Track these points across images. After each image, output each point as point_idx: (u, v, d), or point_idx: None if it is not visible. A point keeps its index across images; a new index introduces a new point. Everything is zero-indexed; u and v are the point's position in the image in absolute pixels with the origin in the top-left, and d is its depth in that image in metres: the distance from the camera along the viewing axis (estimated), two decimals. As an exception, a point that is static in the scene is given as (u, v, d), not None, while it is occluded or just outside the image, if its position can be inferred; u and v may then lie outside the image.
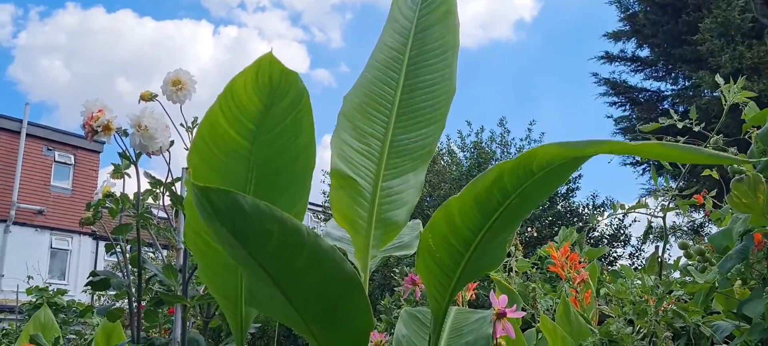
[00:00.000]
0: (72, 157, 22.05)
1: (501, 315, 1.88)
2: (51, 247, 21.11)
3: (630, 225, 18.02)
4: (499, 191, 1.22)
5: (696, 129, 1.98)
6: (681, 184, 2.44)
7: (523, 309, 3.75)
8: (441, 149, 18.87)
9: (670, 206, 2.05)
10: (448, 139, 19.59)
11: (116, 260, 2.07)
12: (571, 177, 18.41)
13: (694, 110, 2.05)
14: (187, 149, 1.93)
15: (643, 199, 2.09)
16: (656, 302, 1.88)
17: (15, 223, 20.09)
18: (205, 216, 1.18)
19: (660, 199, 2.02)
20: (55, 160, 21.66)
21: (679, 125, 1.99)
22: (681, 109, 15.61)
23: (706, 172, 2.59)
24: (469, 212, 1.27)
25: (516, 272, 4.82)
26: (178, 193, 1.91)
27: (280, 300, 1.28)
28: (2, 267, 19.38)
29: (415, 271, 1.56)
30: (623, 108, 17.80)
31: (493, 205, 1.25)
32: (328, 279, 1.29)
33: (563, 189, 18.22)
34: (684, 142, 2.16)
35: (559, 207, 17.75)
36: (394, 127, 1.76)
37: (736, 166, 2.03)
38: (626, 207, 2.10)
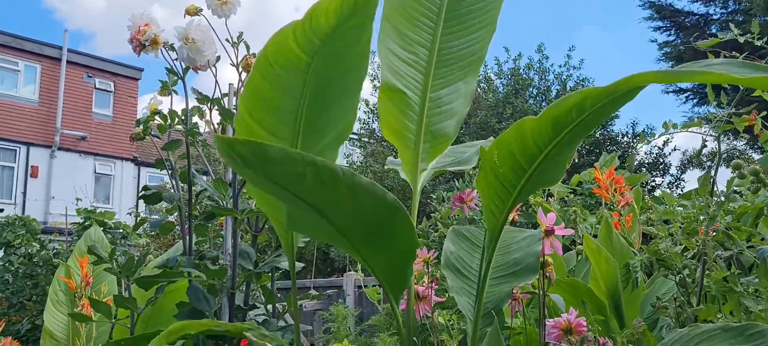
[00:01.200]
0: (112, 84, 22.36)
1: (549, 232, 1.87)
2: (95, 172, 21.69)
3: (669, 154, 17.70)
4: (578, 112, 1.19)
5: (758, 43, 1.89)
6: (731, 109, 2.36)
7: (563, 233, 3.75)
8: (477, 78, 18.57)
9: (728, 125, 1.98)
10: (485, 67, 19.29)
11: (162, 179, 2.11)
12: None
13: (756, 24, 1.95)
14: (233, 65, 1.93)
15: (697, 118, 2.03)
16: (708, 221, 1.85)
17: (60, 148, 20.65)
18: (237, 167, 1.18)
19: (715, 119, 1.96)
20: (95, 88, 22.00)
21: (741, 40, 1.90)
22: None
23: (758, 92, 2.49)
24: (544, 132, 1.24)
25: (555, 197, 4.79)
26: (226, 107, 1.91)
27: (322, 224, 1.29)
28: (50, 191, 20.04)
29: (475, 186, 1.54)
30: (668, 33, 17.20)
31: (567, 123, 1.21)
32: (370, 209, 1.29)
33: (603, 117, 17.88)
34: (742, 59, 2.07)
35: (597, 134, 17.48)
36: (442, 32, 1.70)
37: (799, 82, 1.95)
38: (678, 127, 2.04)
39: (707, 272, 1.92)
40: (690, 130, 2.03)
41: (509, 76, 18.77)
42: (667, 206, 3.66)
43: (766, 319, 1.60)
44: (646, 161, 17.94)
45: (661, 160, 17.92)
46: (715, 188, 2.22)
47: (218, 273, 1.78)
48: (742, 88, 1.99)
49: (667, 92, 17.33)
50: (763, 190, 2.88)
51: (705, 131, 1.98)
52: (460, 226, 1.94)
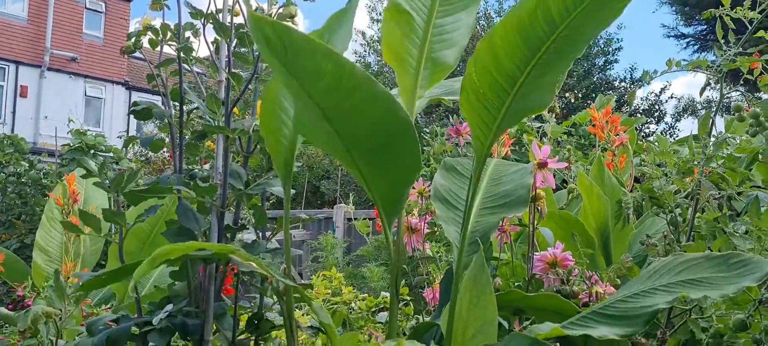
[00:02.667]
0: (103, 5, 21.89)
1: (542, 165, 1.86)
2: (85, 95, 21.46)
3: (666, 101, 17.66)
4: (544, 17, 1.15)
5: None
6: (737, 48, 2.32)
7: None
8: (477, 14, 18.35)
9: (735, 64, 1.95)
10: (486, 3, 18.99)
11: (153, 103, 2.06)
12: (610, 49, 17.87)
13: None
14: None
15: (701, 57, 1.99)
16: (705, 161, 1.84)
17: (49, 69, 20.34)
18: (261, 47, 1.15)
19: (722, 57, 1.92)
20: (86, 7, 21.53)
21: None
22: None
23: (761, 33, 2.45)
24: (512, 42, 1.20)
25: (549, 137, 4.78)
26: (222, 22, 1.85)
27: (331, 134, 1.27)
28: (40, 112, 19.85)
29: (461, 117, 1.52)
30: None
31: (539, 36, 1.18)
32: (381, 121, 1.27)
33: (601, 60, 17.76)
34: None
35: (595, 79, 17.38)
36: (450, -44, 1.66)
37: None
38: (682, 65, 2.00)
39: (698, 212, 1.92)
40: (694, 69, 1.99)
41: (508, 15, 18.51)
42: (662, 149, 3.65)
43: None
44: (642, 107, 17.91)
45: (657, 107, 17.91)
46: (714, 130, 2.20)
47: (208, 190, 1.76)
48: (748, 27, 1.95)
49: (668, 36, 17.14)
50: (759, 135, 2.87)
51: (709, 71, 1.94)
52: (451, 159, 1.93)
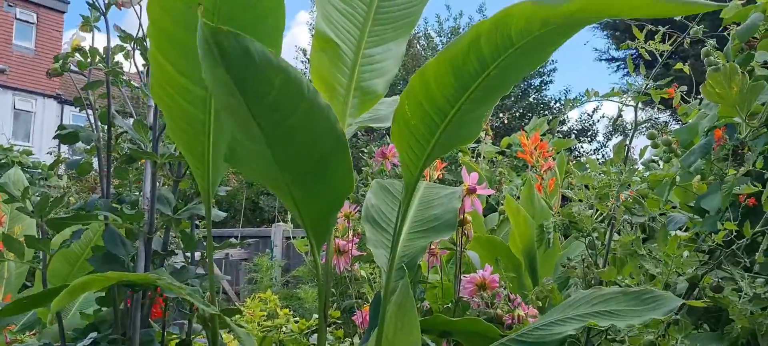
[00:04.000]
0: (34, 15, 21.18)
1: (471, 191, 1.92)
2: (14, 108, 20.67)
3: (598, 121, 18.28)
4: (477, 57, 1.20)
5: (677, 18, 1.96)
6: (652, 82, 2.46)
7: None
8: (417, 33, 18.63)
9: (645, 95, 2.06)
10: (426, 23, 19.30)
11: (86, 119, 2.03)
12: (544, 69, 18.40)
13: None
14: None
15: (616, 88, 2.10)
16: (619, 187, 1.93)
17: (-25, 80, 19.53)
18: (209, 60, 1.13)
19: (634, 88, 2.03)
20: (16, 18, 20.79)
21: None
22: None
23: (679, 65, 2.60)
24: (445, 78, 1.25)
25: (484, 157, 4.89)
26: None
27: (264, 157, 1.27)
28: (-36, 125, 18.99)
29: (391, 141, 1.56)
30: None
31: (471, 74, 1.23)
32: (319, 138, 1.28)
33: (537, 81, 18.27)
34: (664, 31, 2.15)
35: (531, 99, 17.86)
36: (380, -12, 1.70)
37: (712, 58, 2.04)
38: (600, 94, 2.11)
39: (616, 236, 2.02)
40: (610, 99, 2.10)
41: (449, 35, 18.88)
42: (588, 172, 3.79)
43: (663, 282, 1.70)
44: (576, 128, 18.49)
45: (590, 127, 18.51)
46: (629, 160, 2.31)
47: (134, 217, 1.74)
48: (659, 59, 2.07)
49: (600, 60, 17.81)
50: (675, 160, 3.03)
51: (622, 100, 2.05)
52: (384, 179, 1.96)
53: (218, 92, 1.23)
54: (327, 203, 1.40)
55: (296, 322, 2.46)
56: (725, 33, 2.48)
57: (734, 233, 1.77)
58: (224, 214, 2.16)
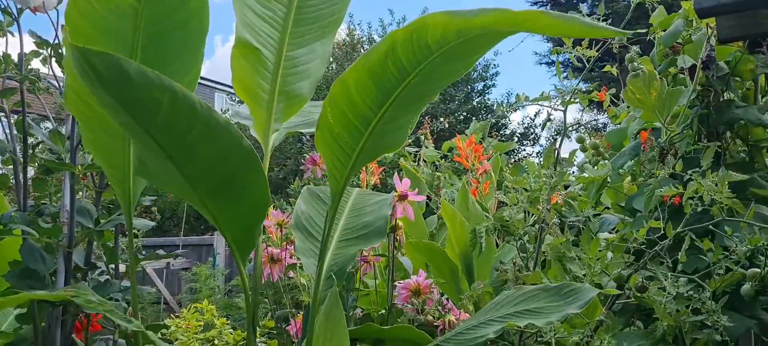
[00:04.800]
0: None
1: (402, 197, 1.91)
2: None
3: (540, 125, 18.62)
4: (395, 65, 1.19)
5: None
6: (586, 85, 2.52)
7: (427, 197, 3.87)
8: (361, 38, 18.64)
9: (572, 100, 2.10)
10: (369, 28, 19.35)
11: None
12: (487, 74, 18.69)
13: (602, 7, 2.07)
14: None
15: (546, 93, 2.14)
16: (548, 191, 1.96)
17: None
18: (87, 82, 1.10)
19: (562, 93, 2.07)
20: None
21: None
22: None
23: (607, 67, 2.67)
24: (365, 86, 1.23)
25: (425, 161, 4.91)
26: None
27: (173, 172, 1.23)
28: None
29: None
30: (541, 5, 17.96)
31: (391, 81, 1.22)
32: (224, 154, 1.26)
33: (480, 85, 18.52)
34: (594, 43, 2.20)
35: (474, 103, 18.08)
36: (300, -11, 1.67)
37: (635, 64, 2.10)
38: (530, 99, 2.14)
39: (549, 238, 2.05)
40: (539, 103, 2.13)
41: (393, 40, 18.93)
42: (527, 174, 3.85)
43: (588, 282, 1.73)
44: (518, 131, 18.81)
45: (532, 130, 18.86)
46: (561, 163, 2.35)
47: (52, 231, 1.67)
48: (586, 64, 2.11)
49: (540, 63, 18.19)
50: (607, 163, 3.10)
51: (551, 105, 2.08)
52: (314, 187, 1.94)
53: (110, 113, 1.19)
54: (244, 216, 1.37)
55: (231, 333, 2.41)
56: (653, 38, 2.56)
57: (659, 234, 1.82)
58: (152, 223, 2.10)
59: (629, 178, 2.95)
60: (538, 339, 1.75)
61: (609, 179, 3.06)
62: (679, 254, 1.82)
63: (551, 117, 2.12)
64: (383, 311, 2.06)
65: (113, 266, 1.90)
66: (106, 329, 2.02)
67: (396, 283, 1.93)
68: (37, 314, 1.81)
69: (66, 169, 1.68)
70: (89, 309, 1.37)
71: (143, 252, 2.16)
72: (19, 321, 1.93)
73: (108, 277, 1.93)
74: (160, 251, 1.96)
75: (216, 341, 2.35)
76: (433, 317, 1.76)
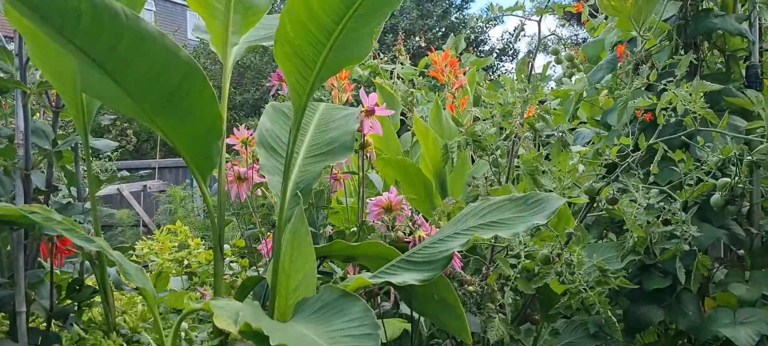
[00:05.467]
0: None
1: (369, 112, 1.86)
2: None
3: (519, 41, 18.46)
4: None
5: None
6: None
7: (403, 114, 3.81)
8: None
9: (547, 9, 2.03)
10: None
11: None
12: (467, -11, 18.30)
13: None
14: None
15: (520, 2, 2.06)
16: (522, 104, 1.92)
17: None
18: None
19: (536, 2, 2.00)
20: None
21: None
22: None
23: (587, -23, 2.58)
24: None
25: (401, 79, 4.83)
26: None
27: (113, 88, 1.17)
28: None
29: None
30: None
31: None
32: (162, 67, 1.19)
33: (458, 0, 18.16)
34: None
35: (453, 18, 17.78)
36: None
37: (611, -30, 2.02)
38: (504, 9, 2.06)
39: (520, 153, 2.02)
40: (513, 13, 2.06)
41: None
42: (501, 91, 3.80)
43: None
44: (498, 47, 18.62)
45: (511, 46, 18.69)
46: (537, 78, 2.29)
47: (5, 153, 1.60)
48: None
49: (520, -22, 17.80)
50: (582, 75, 3.05)
51: (525, 15, 2.02)
52: (278, 103, 1.87)
53: (32, 22, 1.12)
54: (196, 133, 1.32)
55: (201, 252, 2.39)
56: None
57: (631, 147, 1.79)
58: (115, 144, 2.03)
59: (606, 92, 2.91)
60: (509, 253, 1.74)
61: (585, 93, 3.02)
62: (651, 166, 1.80)
63: (525, 27, 2.05)
64: (355, 229, 2.04)
65: (75, 189, 1.85)
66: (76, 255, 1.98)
67: (367, 200, 1.91)
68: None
69: (15, 86, 1.60)
70: (49, 228, 1.32)
71: (119, 175, 2.10)
72: (-17, 246, 1.90)
73: (70, 200, 1.88)
74: (124, 173, 1.91)
75: (186, 261, 2.33)
76: (404, 233, 1.74)
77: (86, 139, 1.51)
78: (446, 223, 1.93)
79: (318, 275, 1.60)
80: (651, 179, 1.84)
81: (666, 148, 1.78)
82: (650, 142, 1.78)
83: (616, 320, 1.74)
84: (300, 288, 1.44)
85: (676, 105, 1.71)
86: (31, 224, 1.55)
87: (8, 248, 1.80)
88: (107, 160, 2.77)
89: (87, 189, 1.89)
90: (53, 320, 1.80)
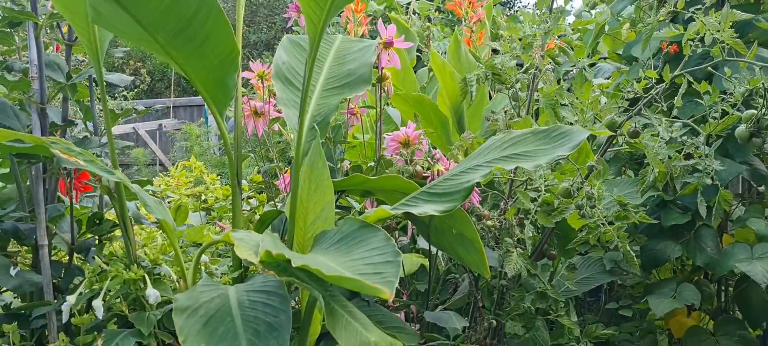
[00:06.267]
0: None
1: (387, 44, 1.82)
2: None
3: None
4: None
5: None
6: None
7: (419, 50, 3.75)
8: None
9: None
10: None
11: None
12: None
13: None
14: None
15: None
16: (543, 36, 1.87)
17: None
18: None
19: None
20: None
21: None
22: None
23: None
24: None
25: (418, 14, 4.74)
26: None
27: (124, 17, 1.14)
28: None
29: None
30: None
31: None
32: None
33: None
34: None
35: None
36: None
37: None
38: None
39: (540, 86, 1.98)
40: (535, -59, 1.98)
41: None
42: (519, 25, 3.71)
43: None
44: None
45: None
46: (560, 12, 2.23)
47: (19, 85, 1.59)
48: None
49: None
50: (605, 7, 2.97)
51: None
52: (294, 36, 1.84)
53: None
54: (212, 65, 1.29)
55: (219, 188, 2.40)
56: None
57: (654, 80, 1.75)
58: (129, 78, 2.02)
59: (628, 24, 2.83)
60: (529, 186, 1.73)
61: (607, 26, 2.95)
62: (675, 99, 1.76)
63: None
64: (372, 163, 2.03)
65: (92, 124, 1.84)
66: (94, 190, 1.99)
67: (385, 135, 1.89)
68: (18, 173, 1.78)
69: (27, 18, 1.58)
70: (69, 161, 1.32)
71: (135, 112, 2.09)
72: (2, 180, 1.91)
73: (86, 135, 1.88)
74: (141, 107, 1.90)
75: (203, 195, 2.34)
76: (422, 167, 1.72)
77: (100, 72, 1.49)
78: (464, 158, 1.92)
79: (336, 210, 1.59)
80: (674, 112, 1.80)
81: (691, 79, 1.73)
82: (675, 73, 1.73)
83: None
84: (318, 221, 1.44)
85: (704, 35, 1.65)
86: (50, 156, 1.55)
87: (27, 182, 1.81)
88: (123, 99, 2.76)
89: (103, 124, 1.88)
90: (75, 253, 1.82)
